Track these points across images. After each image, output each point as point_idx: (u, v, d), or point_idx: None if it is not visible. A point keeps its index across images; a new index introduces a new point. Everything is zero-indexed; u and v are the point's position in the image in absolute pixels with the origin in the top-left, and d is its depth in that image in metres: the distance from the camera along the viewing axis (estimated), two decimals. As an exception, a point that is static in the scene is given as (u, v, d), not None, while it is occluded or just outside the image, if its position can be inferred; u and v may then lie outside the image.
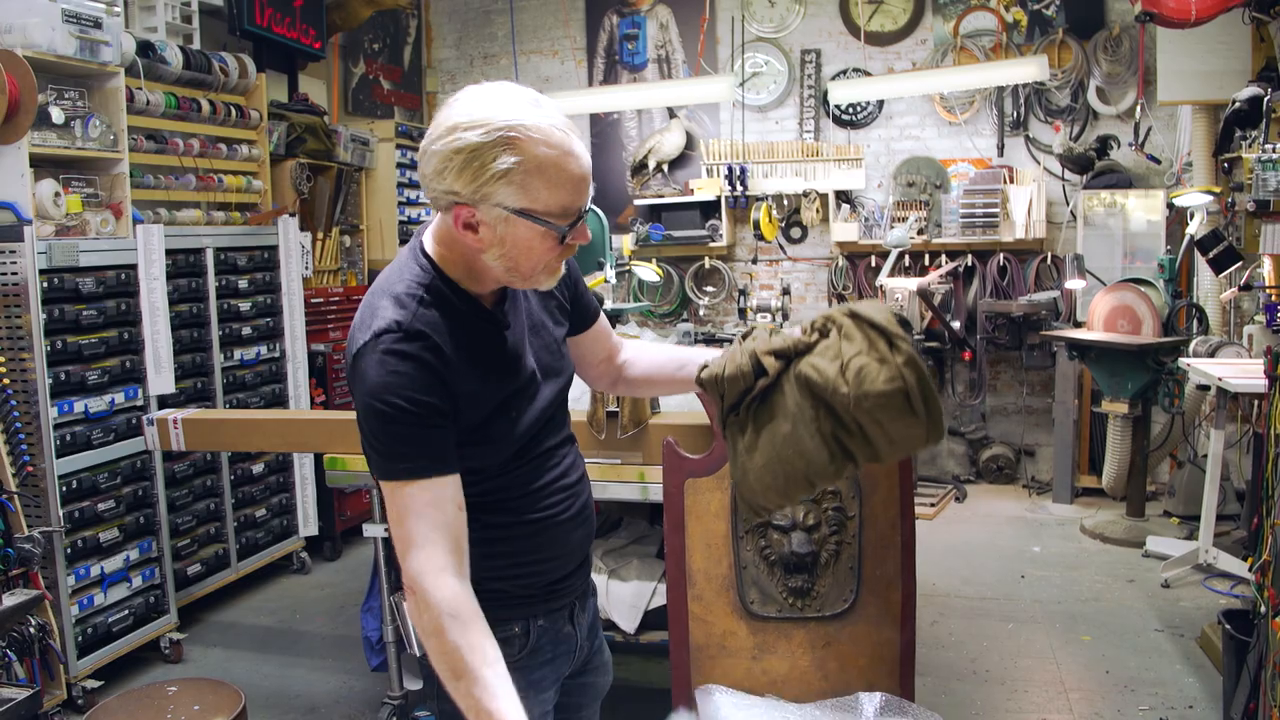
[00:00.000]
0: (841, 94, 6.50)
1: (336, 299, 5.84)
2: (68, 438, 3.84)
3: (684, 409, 3.21)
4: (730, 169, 6.77)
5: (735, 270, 7.22)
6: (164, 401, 4.28)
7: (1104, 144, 6.24)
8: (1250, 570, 3.21)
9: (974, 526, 5.79)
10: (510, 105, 1.43)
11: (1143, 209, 6.17)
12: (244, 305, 4.90)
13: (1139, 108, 6.07)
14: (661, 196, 7.14)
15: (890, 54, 6.84)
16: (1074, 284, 5.94)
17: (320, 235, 5.82)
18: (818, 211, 6.79)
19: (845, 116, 6.93)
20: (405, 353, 1.46)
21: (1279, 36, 4.81)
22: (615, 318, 5.23)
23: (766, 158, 6.89)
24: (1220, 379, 4.32)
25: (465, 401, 1.52)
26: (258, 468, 5.02)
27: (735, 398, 1.74)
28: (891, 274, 6.31)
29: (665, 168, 7.16)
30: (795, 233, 7.07)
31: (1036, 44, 6.47)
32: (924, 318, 6.15)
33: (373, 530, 3.42)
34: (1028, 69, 5.89)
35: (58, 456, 3.77)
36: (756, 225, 6.71)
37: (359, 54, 7.05)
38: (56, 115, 3.88)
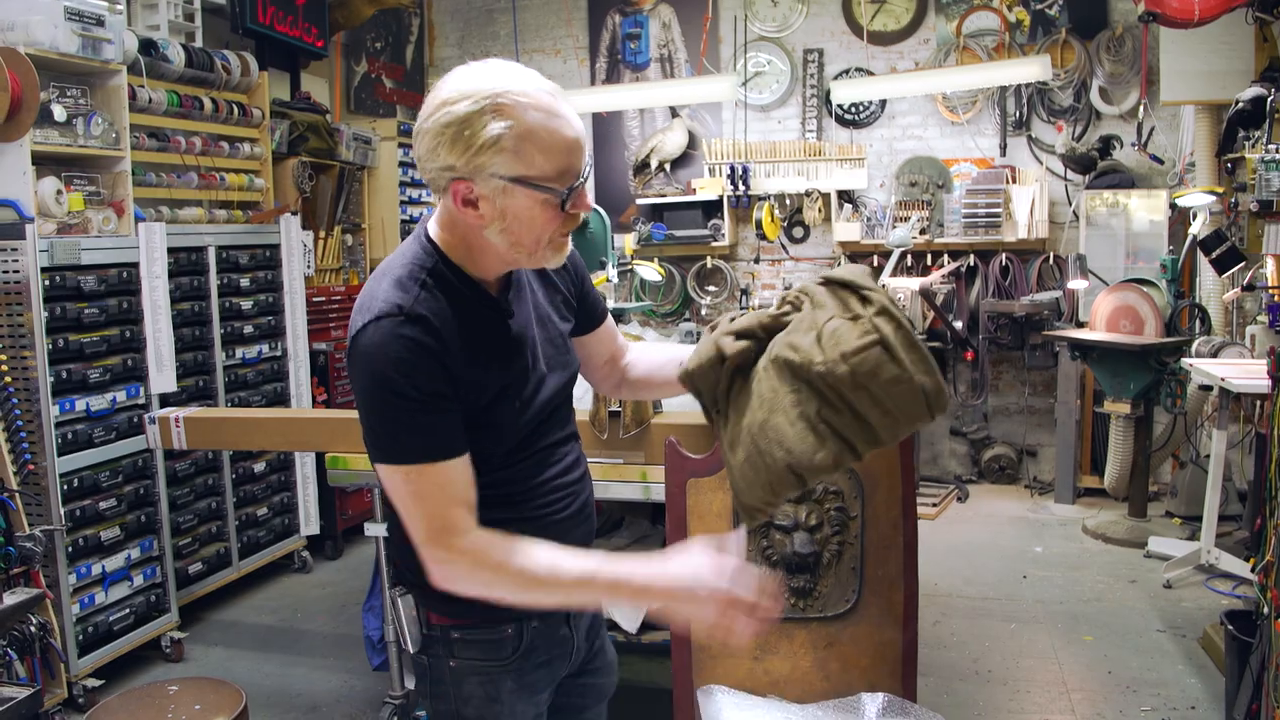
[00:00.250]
0: (844, 93, 6.49)
1: (338, 298, 5.83)
2: (69, 436, 3.84)
3: (686, 409, 3.20)
4: (732, 168, 6.77)
5: (737, 270, 7.21)
6: (165, 400, 4.28)
7: (1106, 144, 6.23)
8: (1253, 571, 3.21)
9: (976, 527, 5.79)
10: (496, 75, 1.43)
11: (1145, 209, 6.16)
12: (246, 304, 4.89)
13: (1142, 108, 6.05)
14: (664, 196, 7.13)
15: (893, 53, 6.83)
16: (1076, 284, 5.93)
17: (322, 234, 5.82)
18: (820, 211, 6.79)
19: (848, 116, 6.92)
20: (406, 336, 1.45)
21: (1283, 36, 4.81)
22: (618, 317, 5.22)
23: (769, 157, 6.88)
24: (1223, 379, 4.32)
25: (467, 387, 1.51)
26: (259, 466, 5.02)
27: (710, 390, 1.65)
28: (894, 274, 6.30)
29: (667, 167, 7.16)
30: (797, 232, 7.06)
31: (1039, 44, 6.46)
32: (926, 318, 6.14)
33: (374, 529, 3.42)
34: (1030, 69, 5.88)
35: (59, 455, 3.77)
36: (759, 225, 6.71)
37: (361, 52, 7.05)
38: (59, 113, 3.87)
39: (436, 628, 1.69)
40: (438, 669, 1.71)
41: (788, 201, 6.90)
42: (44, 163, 3.87)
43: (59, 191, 3.87)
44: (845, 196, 6.82)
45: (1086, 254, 6.01)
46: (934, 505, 6.01)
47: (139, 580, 4.16)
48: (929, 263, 6.61)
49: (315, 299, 5.53)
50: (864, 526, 2.77)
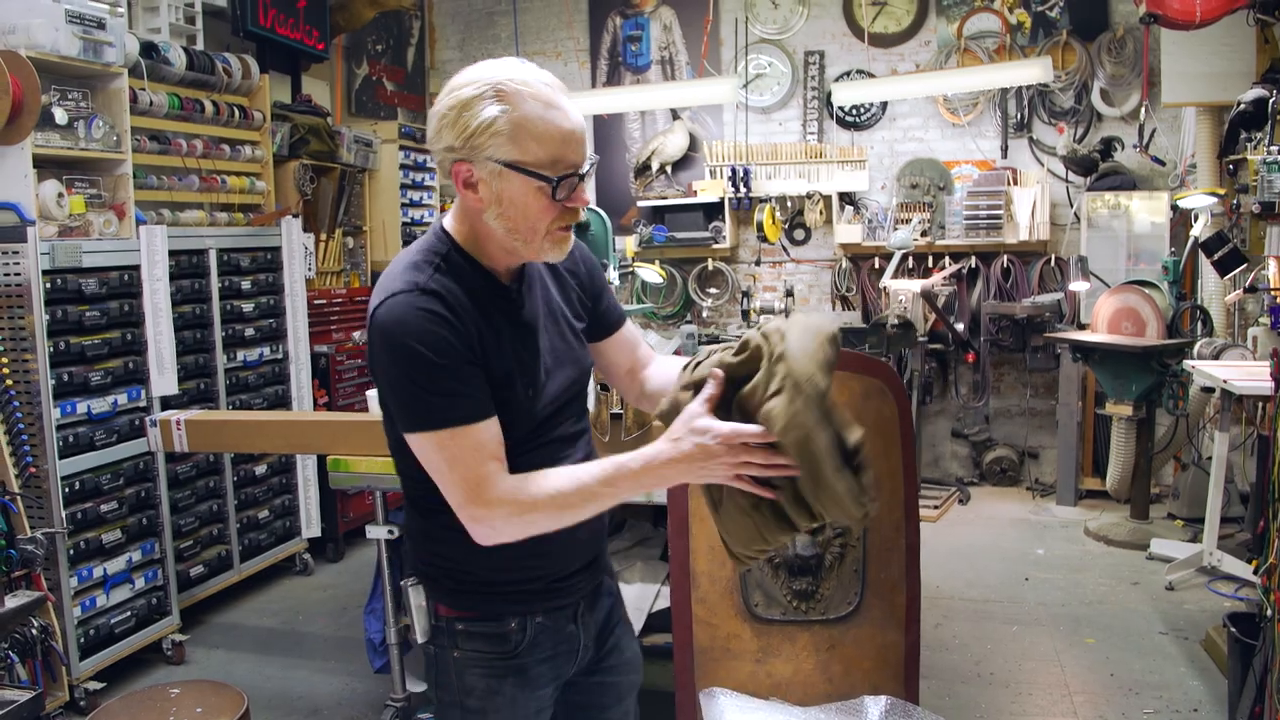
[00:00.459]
0: (845, 95, 6.49)
1: (340, 300, 5.84)
2: (70, 439, 3.84)
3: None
4: (733, 170, 6.77)
5: (738, 272, 7.21)
6: (167, 403, 4.28)
7: (1108, 146, 6.23)
8: (1256, 573, 3.20)
9: (978, 529, 5.78)
10: (503, 66, 1.52)
11: (1147, 211, 6.16)
12: (247, 306, 4.89)
13: (1143, 109, 6.05)
14: (664, 198, 7.13)
15: (894, 55, 6.83)
16: (1078, 286, 5.93)
17: (323, 236, 5.82)
18: (821, 213, 6.79)
19: (849, 118, 6.92)
20: (423, 307, 1.51)
21: (1284, 38, 4.81)
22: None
23: (770, 159, 6.88)
24: (1225, 381, 4.31)
25: (489, 360, 1.57)
26: (260, 469, 5.01)
27: None
28: (895, 276, 6.30)
29: (668, 169, 7.15)
30: (799, 234, 7.06)
31: (1040, 46, 6.46)
32: (928, 319, 6.14)
33: (375, 532, 3.41)
34: (1031, 71, 5.87)
35: (60, 458, 3.76)
36: (760, 227, 6.70)
37: (362, 55, 7.05)
38: (60, 116, 3.88)
39: (443, 619, 1.73)
40: (443, 660, 1.74)
41: (789, 204, 6.90)
42: (45, 165, 3.87)
43: (60, 194, 3.88)
44: (846, 198, 6.82)
45: (1088, 256, 6.01)
46: (935, 507, 6.00)
47: (140, 583, 4.16)
48: (930, 265, 6.61)
49: (316, 301, 5.53)
50: (866, 529, 2.77)
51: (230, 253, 4.79)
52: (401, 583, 1.81)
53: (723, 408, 1.50)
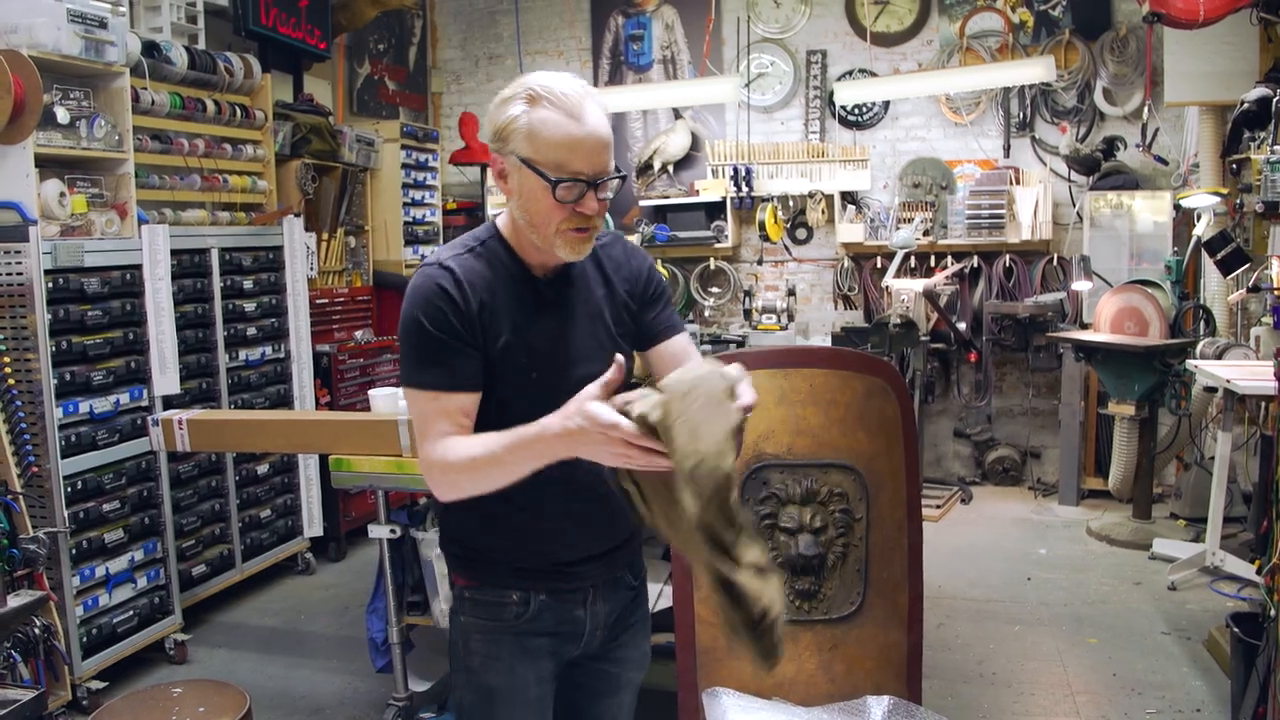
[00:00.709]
0: (847, 95, 6.48)
1: (341, 300, 5.83)
2: (73, 438, 3.84)
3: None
4: (735, 170, 6.76)
5: (740, 271, 7.20)
6: (169, 402, 4.28)
7: (1111, 145, 6.22)
8: (1259, 573, 3.20)
9: (980, 528, 5.78)
10: (545, 74, 1.67)
11: (1149, 210, 6.15)
12: (249, 306, 4.89)
13: (1146, 109, 6.05)
14: (667, 197, 7.13)
15: (896, 55, 6.83)
16: (1080, 285, 5.92)
17: (325, 236, 5.82)
18: (823, 212, 6.78)
19: (851, 117, 6.91)
20: (435, 283, 1.70)
21: (1287, 37, 4.80)
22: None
23: (772, 158, 6.88)
24: (1228, 381, 4.31)
25: (480, 331, 1.71)
26: (263, 468, 5.02)
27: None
28: (897, 275, 6.30)
29: (670, 168, 7.15)
30: (801, 234, 7.05)
31: (1043, 45, 6.45)
32: (930, 319, 6.14)
33: (378, 531, 3.41)
34: (1034, 70, 5.87)
35: (63, 457, 3.76)
36: (762, 226, 6.69)
37: (364, 54, 7.05)
38: (62, 115, 3.87)
39: (457, 588, 1.90)
40: (455, 625, 1.90)
41: (791, 203, 6.89)
42: (47, 165, 3.87)
43: (62, 194, 3.88)
44: (848, 198, 6.81)
45: (1090, 255, 6.00)
46: (937, 507, 6.00)
47: (142, 582, 4.16)
48: (932, 264, 6.61)
49: (318, 301, 5.54)
50: (869, 528, 2.77)
51: (232, 252, 4.79)
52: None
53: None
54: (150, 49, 4.42)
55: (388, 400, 3.53)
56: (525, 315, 1.75)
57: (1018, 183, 6.43)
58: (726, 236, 6.96)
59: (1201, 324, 5.55)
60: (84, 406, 3.90)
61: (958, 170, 6.64)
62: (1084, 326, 6.00)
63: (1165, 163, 6.19)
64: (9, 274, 3.67)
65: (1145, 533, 5.36)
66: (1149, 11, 4.80)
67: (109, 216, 4.12)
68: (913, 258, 6.55)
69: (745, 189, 6.75)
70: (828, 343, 6.55)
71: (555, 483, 1.66)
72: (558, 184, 1.62)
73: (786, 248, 7.03)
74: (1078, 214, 6.41)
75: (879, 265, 6.71)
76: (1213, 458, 4.99)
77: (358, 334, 5.87)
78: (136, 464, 4.14)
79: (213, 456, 4.66)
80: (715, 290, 7.26)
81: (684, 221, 7.05)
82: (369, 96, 7.09)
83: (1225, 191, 5.34)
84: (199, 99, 4.70)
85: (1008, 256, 6.45)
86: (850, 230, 6.71)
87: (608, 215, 5.18)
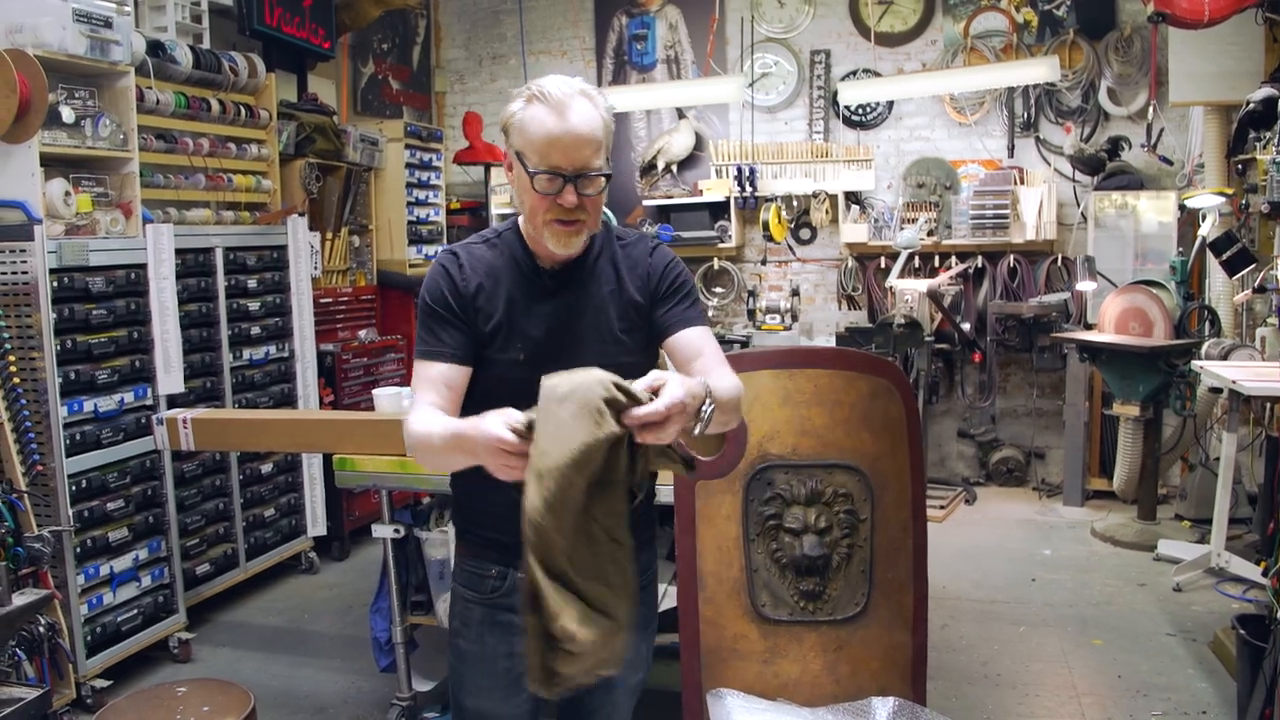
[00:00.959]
0: (851, 95, 6.48)
1: (345, 299, 5.83)
2: (77, 437, 3.84)
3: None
4: (739, 170, 6.76)
5: (744, 271, 7.20)
6: (173, 401, 4.28)
7: (1115, 145, 6.21)
8: (1265, 575, 3.20)
9: (984, 529, 5.77)
10: (556, 76, 1.77)
11: (1154, 210, 6.14)
12: (253, 305, 4.89)
13: (1151, 109, 6.03)
14: (670, 197, 7.12)
15: (900, 55, 6.82)
16: (1085, 286, 5.91)
17: (329, 235, 5.82)
18: (827, 212, 6.78)
19: (855, 117, 6.91)
20: (441, 264, 1.88)
21: (1293, 37, 4.79)
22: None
23: (776, 158, 6.87)
24: (1233, 382, 4.30)
25: (474, 311, 1.83)
26: (266, 467, 5.02)
27: None
28: (901, 275, 6.29)
29: (674, 168, 7.15)
30: (805, 234, 7.05)
31: (1047, 45, 6.44)
32: (934, 319, 6.13)
33: (381, 531, 3.41)
34: (1038, 70, 5.86)
35: (67, 456, 3.77)
36: (766, 226, 6.69)
37: (368, 54, 7.05)
38: (67, 114, 3.88)
39: (456, 556, 2.06)
40: (453, 590, 2.06)
41: (795, 203, 6.88)
42: (52, 164, 3.87)
43: (67, 193, 3.88)
44: (852, 198, 6.81)
45: (1095, 255, 5.99)
46: (941, 508, 5.99)
47: (147, 581, 4.16)
48: (937, 264, 6.60)
49: (322, 300, 5.53)
50: (874, 529, 2.77)
51: (236, 251, 4.79)
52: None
53: None
54: (155, 48, 4.42)
55: (391, 400, 3.53)
56: (524, 302, 1.84)
57: (1022, 183, 6.41)
58: (730, 236, 6.96)
59: (1206, 325, 5.54)
60: (88, 405, 3.91)
61: (962, 170, 6.64)
62: (1088, 327, 5.99)
63: (1170, 163, 6.18)
64: (14, 273, 3.68)
65: (1150, 534, 5.36)
66: (1154, 11, 4.79)
67: (114, 215, 4.12)
68: (917, 258, 6.54)
69: (749, 189, 6.75)
70: (832, 343, 6.55)
71: None
72: (535, 175, 1.73)
73: (790, 248, 7.03)
74: (1082, 214, 6.40)
75: (883, 265, 6.70)
76: (1218, 459, 4.98)
77: (361, 333, 5.88)
78: (141, 463, 4.14)
79: (217, 455, 4.66)
80: (719, 290, 7.26)
81: (688, 221, 7.05)
82: (373, 96, 7.10)
83: (1230, 192, 5.33)
84: (204, 98, 4.70)
85: (1012, 257, 6.44)
86: (854, 230, 6.71)
87: (610, 214, 5.17)
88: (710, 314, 7.22)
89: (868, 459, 2.76)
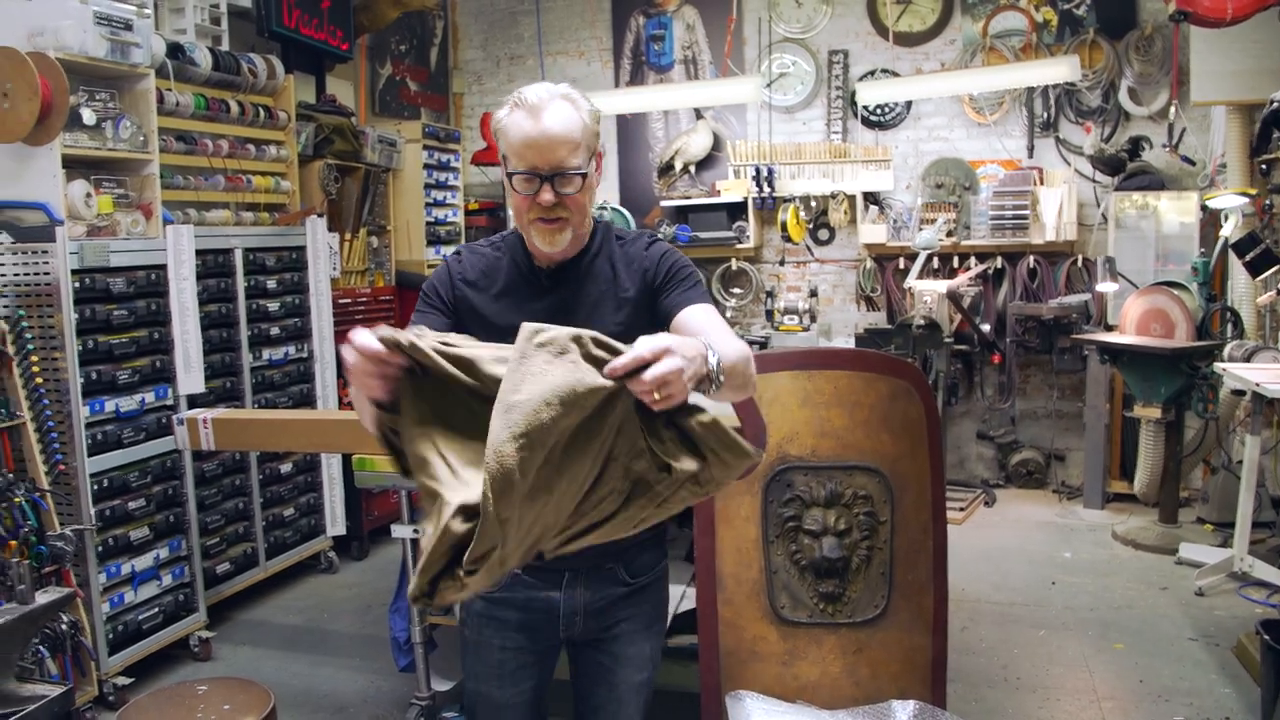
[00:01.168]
0: (869, 95, 6.46)
1: (364, 299, 5.85)
2: (99, 436, 3.86)
3: (714, 411, 3.19)
4: (757, 170, 6.74)
5: (762, 272, 7.19)
6: (193, 401, 4.30)
7: (1136, 145, 6.17)
8: (1289, 578, 3.17)
9: (1004, 531, 5.74)
10: (539, 83, 1.85)
11: (1175, 211, 6.09)
12: (272, 305, 4.91)
13: (1172, 108, 5.99)
14: (688, 198, 7.11)
15: (918, 54, 6.79)
16: (1105, 287, 5.87)
17: (348, 236, 5.84)
18: (845, 213, 6.75)
19: (873, 117, 6.88)
20: (445, 258, 2.02)
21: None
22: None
23: (794, 159, 6.85)
24: (1256, 384, 4.26)
25: (467, 307, 1.93)
26: (286, 467, 5.04)
27: None
28: (920, 276, 6.26)
29: (692, 169, 7.14)
30: (823, 234, 7.03)
31: (1067, 44, 6.40)
32: (953, 320, 6.10)
33: (400, 531, 3.42)
34: (1058, 69, 5.83)
35: (89, 455, 3.79)
36: (784, 227, 6.68)
37: (386, 55, 7.07)
38: (88, 116, 3.90)
39: None
40: None
41: (813, 203, 6.86)
42: (74, 166, 3.89)
43: (88, 194, 3.90)
44: (871, 198, 6.78)
45: (1116, 256, 5.95)
46: (961, 510, 5.96)
47: (167, 580, 4.18)
48: (956, 265, 6.57)
49: (341, 301, 5.55)
50: (893, 531, 2.75)
51: (256, 252, 4.81)
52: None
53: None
54: (175, 50, 4.44)
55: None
56: (518, 298, 1.92)
57: (1042, 183, 6.38)
58: (748, 237, 6.94)
59: (1229, 326, 5.49)
60: (110, 405, 3.93)
61: (981, 171, 6.60)
62: (1109, 328, 5.95)
63: (1192, 163, 6.13)
64: (37, 274, 3.70)
65: (1171, 537, 5.31)
66: (1175, 10, 4.76)
67: (134, 217, 4.14)
68: (936, 259, 6.52)
69: (767, 189, 6.73)
70: (850, 344, 6.53)
71: None
72: (514, 176, 1.82)
73: (808, 248, 7.01)
74: (1102, 215, 6.36)
75: (901, 266, 6.67)
76: (1240, 462, 4.94)
77: (380, 334, 5.87)
78: (161, 462, 4.17)
79: (236, 455, 4.68)
80: (737, 291, 7.25)
81: (705, 222, 7.04)
82: (391, 97, 7.12)
83: (1253, 192, 5.29)
84: (223, 100, 4.73)
85: (1032, 258, 6.41)
86: (873, 231, 6.68)
87: (629, 215, 5.17)
88: (728, 315, 7.21)
89: (887, 461, 2.75)
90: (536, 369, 1.41)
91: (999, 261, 6.46)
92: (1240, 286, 5.67)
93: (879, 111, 6.86)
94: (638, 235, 2.02)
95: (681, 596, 3.27)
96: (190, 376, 4.26)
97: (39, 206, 3.72)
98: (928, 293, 5.99)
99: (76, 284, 3.76)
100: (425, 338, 1.49)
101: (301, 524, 5.12)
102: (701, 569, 2.79)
